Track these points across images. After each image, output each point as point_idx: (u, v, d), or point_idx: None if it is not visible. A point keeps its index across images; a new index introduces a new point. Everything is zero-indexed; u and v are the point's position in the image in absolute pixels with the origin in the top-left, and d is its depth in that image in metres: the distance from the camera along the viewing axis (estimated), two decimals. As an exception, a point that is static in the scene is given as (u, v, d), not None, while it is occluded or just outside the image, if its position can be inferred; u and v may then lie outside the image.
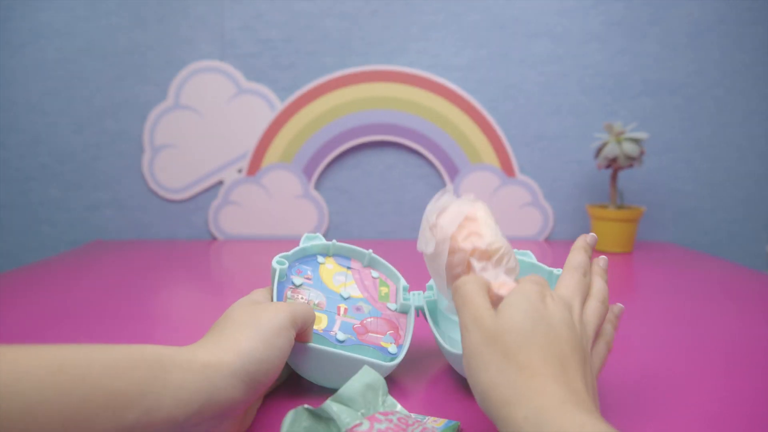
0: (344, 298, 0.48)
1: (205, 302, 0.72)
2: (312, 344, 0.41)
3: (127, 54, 1.11)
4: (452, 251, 0.38)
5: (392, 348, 0.45)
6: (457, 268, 0.38)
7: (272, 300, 0.44)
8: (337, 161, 1.15)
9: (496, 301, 0.35)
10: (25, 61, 1.09)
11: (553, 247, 1.10)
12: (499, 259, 0.37)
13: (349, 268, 0.51)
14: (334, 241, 0.51)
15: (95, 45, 1.10)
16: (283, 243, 1.07)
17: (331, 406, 0.34)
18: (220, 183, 1.14)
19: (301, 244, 0.49)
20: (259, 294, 0.42)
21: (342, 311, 0.46)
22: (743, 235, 1.20)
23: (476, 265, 0.37)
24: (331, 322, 0.45)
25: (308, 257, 0.50)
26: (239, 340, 0.34)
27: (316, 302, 0.46)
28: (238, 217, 1.13)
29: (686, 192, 1.19)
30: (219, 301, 0.71)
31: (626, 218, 1.03)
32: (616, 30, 1.14)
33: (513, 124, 1.15)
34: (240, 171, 1.13)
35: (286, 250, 0.48)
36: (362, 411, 0.35)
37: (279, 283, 0.45)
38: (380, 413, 0.35)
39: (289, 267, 0.47)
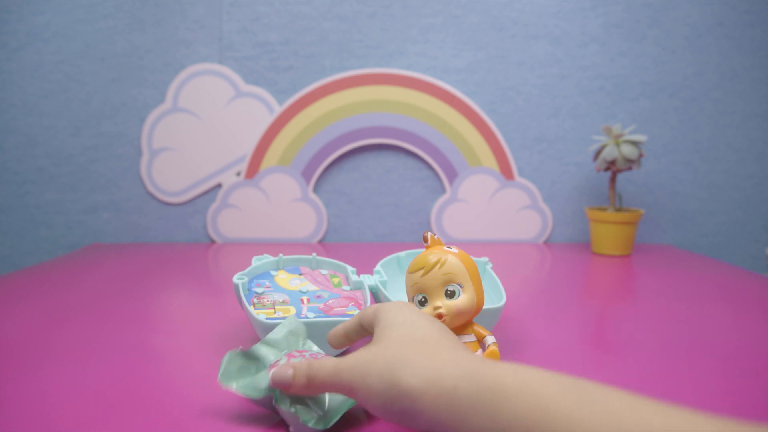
0: (304, 293, 0.54)
1: (204, 306, 0.72)
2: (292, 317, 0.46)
3: (125, 56, 1.10)
4: None
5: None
6: None
7: (241, 304, 0.51)
8: (335, 164, 1.15)
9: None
10: (23, 63, 1.09)
11: (552, 250, 1.09)
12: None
13: (300, 273, 0.57)
14: (281, 255, 0.58)
15: (93, 47, 1.10)
16: (282, 246, 1.07)
17: (260, 348, 0.40)
18: (219, 186, 1.14)
19: (253, 265, 0.56)
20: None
21: (306, 301, 0.52)
22: (742, 237, 1.20)
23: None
24: (299, 310, 0.50)
25: (262, 274, 0.57)
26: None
27: (281, 300, 0.51)
28: (236, 220, 1.13)
29: (685, 194, 1.19)
30: (217, 304, 0.71)
31: (625, 221, 1.03)
32: (615, 32, 1.14)
33: (512, 126, 1.15)
34: (238, 174, 1.13)
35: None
36: (285, 351, 0.41)
37: (244, 294, 0.51)
38: (297, 351, 0.41)
39: (248, 282, 0.54)
